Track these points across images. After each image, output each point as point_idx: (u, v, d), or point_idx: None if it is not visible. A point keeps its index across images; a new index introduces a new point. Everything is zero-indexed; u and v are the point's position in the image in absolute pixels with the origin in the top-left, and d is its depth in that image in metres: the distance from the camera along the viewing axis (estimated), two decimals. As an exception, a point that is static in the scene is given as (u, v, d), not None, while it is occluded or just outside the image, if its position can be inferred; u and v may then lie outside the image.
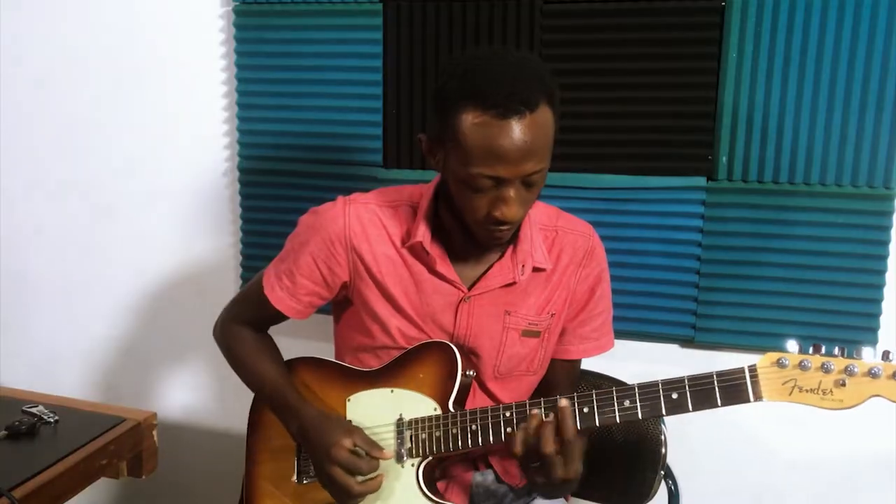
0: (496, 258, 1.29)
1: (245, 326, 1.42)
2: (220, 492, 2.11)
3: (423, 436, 1.23)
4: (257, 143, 1.85)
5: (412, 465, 1.23)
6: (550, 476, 1.10)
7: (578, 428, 1.11)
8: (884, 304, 1.54)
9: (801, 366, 1.02)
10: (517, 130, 1.08)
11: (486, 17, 1.64)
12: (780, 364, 1.03)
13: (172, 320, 2.05)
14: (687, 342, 1.68)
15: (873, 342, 1.55)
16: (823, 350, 1.02)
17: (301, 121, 1.81)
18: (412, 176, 1.72)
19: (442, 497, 1.24)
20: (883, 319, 1.55)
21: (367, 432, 1.26)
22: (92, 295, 2.10)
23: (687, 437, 1.69)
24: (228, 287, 1.99)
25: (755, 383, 1.04)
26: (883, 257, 1.53)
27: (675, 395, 1.09)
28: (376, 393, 1.29)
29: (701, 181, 1.59)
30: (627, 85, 1.60)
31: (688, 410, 1.09)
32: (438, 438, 1.22)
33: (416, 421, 1.24)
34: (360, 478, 1.21)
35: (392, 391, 1.28)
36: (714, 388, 1.07)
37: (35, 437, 1.39)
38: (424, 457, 1.23)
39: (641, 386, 1.11)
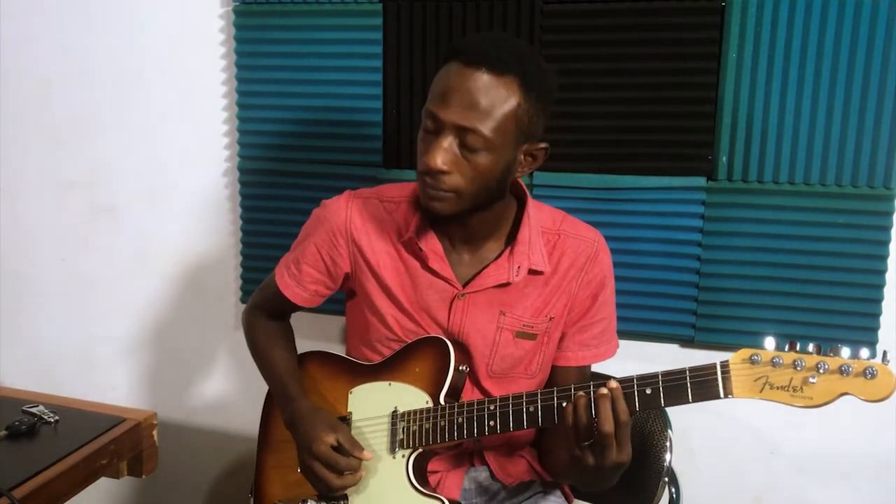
0: (493, 257, 1.30)
1: (264, 313, 1.48)
2: (219, 491, 2.12)
3: (414, 428, 1.25)
4: (257, 143, 1.85)
5: (403, 456, 1.26)
6: (605, 457, 1.08)
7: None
8: (884, 304, 1.54)
9: (773, 363, 1.01)
10: (466, 77, 1.14)
11: (486, 18, 1.64)
12: (752, 361, 1.03)
13: (172, 320, 2.05)
14: (687, 342, 1.68)
15: (873, 342, 1.55)
16: (798, 347, 1.01)
17: (301, 121, 1.81)
18: (412, 176, 1.72)
19: (432, 490, 1.26)
20: (883, 319, 1.55)
21: (364, 423, 1.30)
22: (92, 295, 2.10)
23: (687, 437, 1.69)
24: (228, 287, 1.99)
25: (726, 379, 1.04)
26: (883, 257, 1.53)
27: (648, 391, 1.09)
28: (376, 386, 1.32)
29: (701, 181, 1.59)
30: (627, 85, 1.60)
31: (660, 406, 1.10)
32: (428, 431, 1.24)
33: (409, 413, 1.27)
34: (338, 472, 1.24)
35: (390, 384, 1.31)
36: (686, 384, 1.07)
37: (35, 437, 1.39)
38: (415, 448, 1.26)
39: (617, 381, 1.11)
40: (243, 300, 1.93)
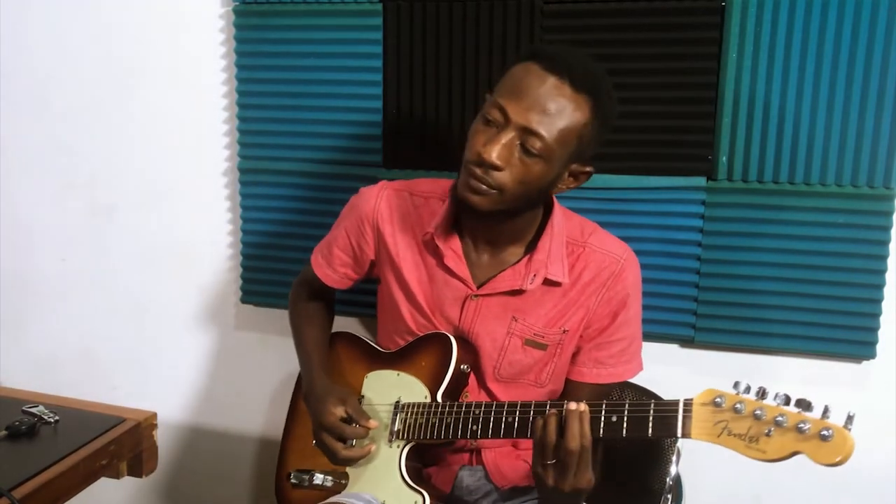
0: (513, 262, 1.30)
1: (306, 289, 1.54)
2: (219, 492, 2.12)
3: (410, 421, 1.28)
4: (257, 143, 1.85)
5: (397, 446, 1.29)
6: (564, 477, 1.07)
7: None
8: (883, 305, 1.54)
9: (735, 409, 0.97)
10: (545, 82, 1.13)
11: (487, 17, 1.63)
12: (715, 403, 0.98)
13: (172, 320, 2.05)
14: (687, 342, 1.68)
15: (873, 342, 1.55)
16: (767, 395, 0.96)
17: (301, 121, 1.81)
18: (412, 177, 1.72)
19: (420, 482, 1.28)
20: (882, 319, 1.55)
21: (372, 409, 1.33)
22: (92, 295, 2.10)
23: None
24: (228, 287, 1.99)
25: (687, 419, 1.00)
26: (883, 257, 1.53)
27: (614, 419, 1.07)
28: (387, 374, 1.36)
29: (701, 181, 1.59)
30: (627, 85, 1.59)
31: (620, 437, 1.06)
32: (421, 425, 1.26)
33: (408, 406, 1.30)
34: (348, 443, 1.29)
35: (399, 374, 1.34)
36: (648, 418, 1.04)
37: (35, 437, 1.39)
38: (408, 441, 1.28)
39: (587, 404, 1.09)
40: (243, 300, 1.93)
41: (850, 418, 0.91)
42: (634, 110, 1.60)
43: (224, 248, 1.98)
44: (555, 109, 1.13)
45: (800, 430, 0.92)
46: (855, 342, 1.56)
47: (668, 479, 1.38)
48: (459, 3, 1.65)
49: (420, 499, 1.24)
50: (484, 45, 1.65)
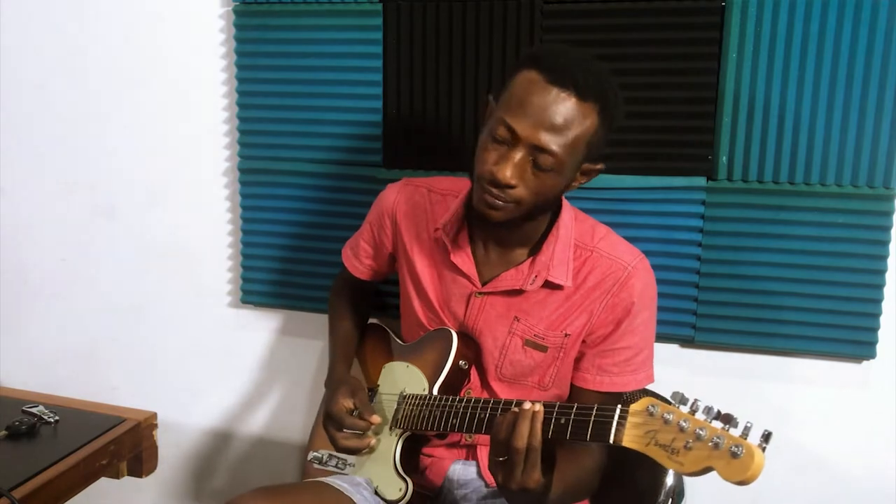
0: (518, 262, 1.31)
1: (340, 282, 1.63)
2: (219, 492, 2.12)
3: (408, 411, 1.31)
4: (257, 143, 1.85)
5: (396, 435, 1.33)
6: (511, 475, 1.06)
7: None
8: (884, 305, 1.54)
9: (664, 418, 0.96)
10: (549, 96, 1.12)
11: (486, 17, 1.64)
12: (648, 411, 0.98)
13: (172, 320, 2.05)
14: (687, 342, 1.68)
15: (872, 342, 1.55)
16: (699, 408, 0.95)
17: (301, 121, 1.81)
18: (412, 176, 1.72)
19: (411, 472, 1.31)
20: (883, 319, 1.54)
21: (383, 398, 1.39)
22: (92, 295, 2.10)
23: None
24: (228, 287, 1.99)
25: (621, 426, 1.00)
26: (883, 257, 1.53)
27: (562, 421, 1.06)
28: (399, 365, 1.40)
29: (701, 181, 1.59)
30: (627, 85, 1.58)
31: (564, 439, 1.06)
32: (415, 417, 1.29)
33: (409, 397, 1.33)
34: (348, 433, 1.32)
35: (408, 366, 1.38)
36: (589, 422, 1.03)
37: (35, 437, 1.40)
38: (404, 430, 1.32)
39: (542, 405, 1.08)
40: (243, 300, 1.93)
41: (765, 436, 0.90)
42: (635, 110, 1.59)
43: (224, 248, 1.98)
44: (562, 122, 1.12)
45: (715, 445, 0.91)
46: (855, 342, 1.56)
47: (667, 480, 1.38)
48: (459, 3, 1.65)
49: (404, 486, 1.28)
50: (484, 45, 1.65)
